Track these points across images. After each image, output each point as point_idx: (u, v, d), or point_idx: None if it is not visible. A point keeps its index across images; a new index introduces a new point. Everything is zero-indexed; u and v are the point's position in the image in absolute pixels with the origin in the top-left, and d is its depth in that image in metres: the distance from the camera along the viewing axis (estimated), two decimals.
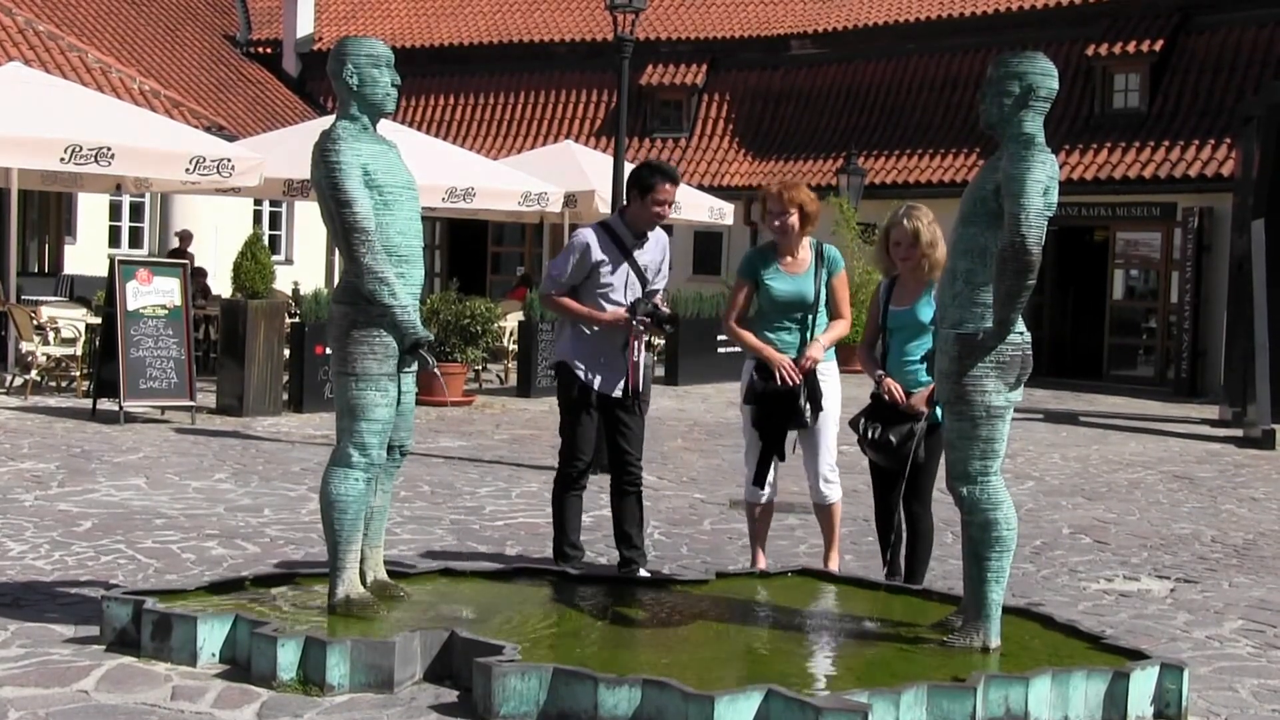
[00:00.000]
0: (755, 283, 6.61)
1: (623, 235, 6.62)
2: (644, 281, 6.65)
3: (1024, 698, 4.84)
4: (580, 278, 6.59)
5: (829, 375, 6.61)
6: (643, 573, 6.69)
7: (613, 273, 6.56)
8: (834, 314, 6.68)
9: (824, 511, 6.78)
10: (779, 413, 6.45)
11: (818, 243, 6.65)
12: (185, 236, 21.65)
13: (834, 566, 6.83)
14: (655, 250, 6.72)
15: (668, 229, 7.21)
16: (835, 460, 6.74)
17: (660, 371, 15.37)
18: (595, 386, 6.58)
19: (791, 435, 6.61)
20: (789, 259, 6.59)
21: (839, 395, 6.71)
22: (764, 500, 6.75)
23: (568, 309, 6.67)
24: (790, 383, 6.42)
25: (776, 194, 6.58)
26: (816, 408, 6.47)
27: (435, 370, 5.75)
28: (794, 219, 6.52)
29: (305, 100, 28.84)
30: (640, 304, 6.54)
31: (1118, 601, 7.04)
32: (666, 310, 6.62)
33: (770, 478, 6.68)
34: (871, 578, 6.69)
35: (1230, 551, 8.52)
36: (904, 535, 6.64)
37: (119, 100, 17.21)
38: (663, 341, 6.20)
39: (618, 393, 6.61)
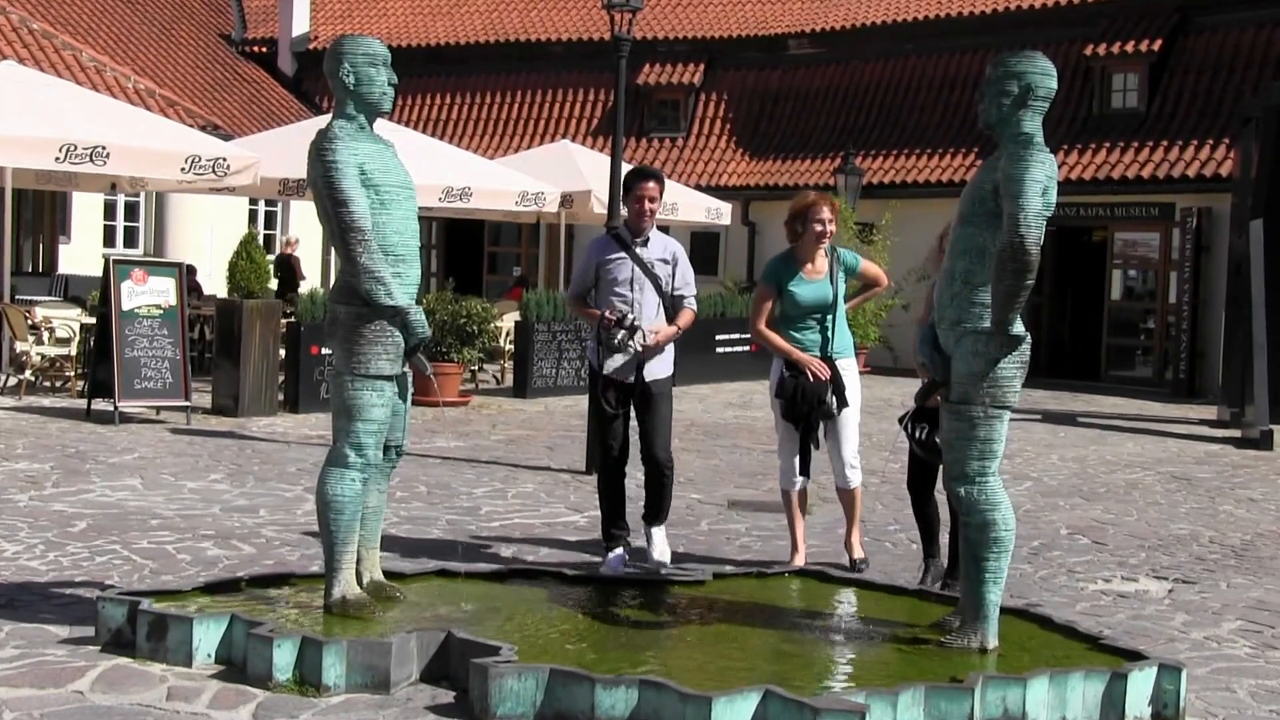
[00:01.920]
0: (779, 289, 7.13)
1: (625, 237, 7.19)
2: (654, 279, 7.10)
3: (1022, 698, 4.83)
4: (591, 278, 7.20)
5: (849, 371, 7.19)
6: (656, 556, 7.17)
7: (617, 269, 7.10)
8: (873, 284, 7.55)
9: (847, 495, 7.33)
10: (809, 406, 7.02)
11: (831, 247, 7.21)
12: (292, 242, 22.08)
13: (855, 542, 7.38)
14: (661, 250, 7.18)
15: (664, 229, 7.62)
16: (858, 448, 7.29)
17: None
18: (603, 372, 7.11)
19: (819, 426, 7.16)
20: (810, 266, 7.14)
21: (859, 390, 7.30)
22: (799, 487, 7.26)
23: (581, 311, 7.37)
24: (819, 378, 7.01)
25: (832, 204, 7.17)
26: (842, 401, 7.08)
27: (430, 375, 5.70)
28: (832, 224, 7.11)
29: (301, 99, 28.80)
30: (624, 319, 7.00)
31: (1115, 602, 7.03)
32: (624, 333, 6.96)
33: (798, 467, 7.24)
34: (868, 578, 6.69)
35: (1228, 552, 8.51)
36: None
37: (114, 99, 17.18)
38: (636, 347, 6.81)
39: (608, 370, 7.06)
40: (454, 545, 7.45)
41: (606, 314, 7.00)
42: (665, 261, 7.12)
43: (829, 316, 7.09)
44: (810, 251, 7.11)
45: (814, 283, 7.07)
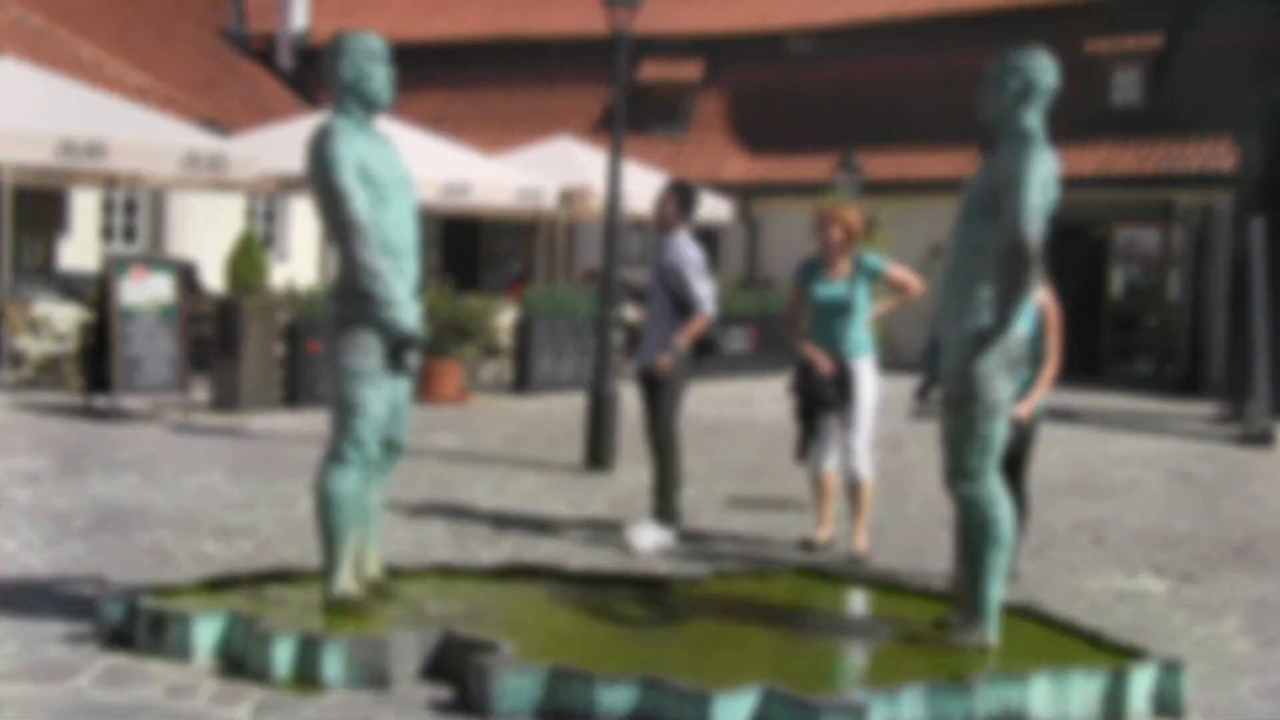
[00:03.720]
0: (803, 288, 7.65)
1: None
2: (660, 279, 7.77)
3: (1022, 696, 4.82)
4: None
5: (861, 370, 7.57)
6: (653, 530, 7.62)
7: (649, 266, 7.97)
8: (902, 289, 7.76)
9: (853, 487, 7.62)
10: (806, 398, 7.51)
11: (858, 255, 7.61)
12: None
13: (859, 538, 7.53)
14: (667, 255, 7.81)
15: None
16: (868, 441, 7.60)
17: None
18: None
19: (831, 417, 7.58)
20: (830, 269, 7.60)
21: (874, 385, 7.65)
22: (821, 471, 7.69)
23: None
24: (822, 372, 7.45)
25: (827, 210, 7.67)
26: (844, 394, 7.46)
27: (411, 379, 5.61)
28: (836, 233, 7.53)
29: (300, 95, 28.77)
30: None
31: (1116, 600, 7.02)
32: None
33: (823, 451, 7.64)
34: (868, 576, 6.68)
35: (1229, 549, 8.50)
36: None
37: (112, 95, 17.16)
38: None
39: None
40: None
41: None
42: (666, 266, 7.78)
43: (843, 317, 7.55)
44: (829, 254, 7.58)
45: (831, 284, 7.57)
